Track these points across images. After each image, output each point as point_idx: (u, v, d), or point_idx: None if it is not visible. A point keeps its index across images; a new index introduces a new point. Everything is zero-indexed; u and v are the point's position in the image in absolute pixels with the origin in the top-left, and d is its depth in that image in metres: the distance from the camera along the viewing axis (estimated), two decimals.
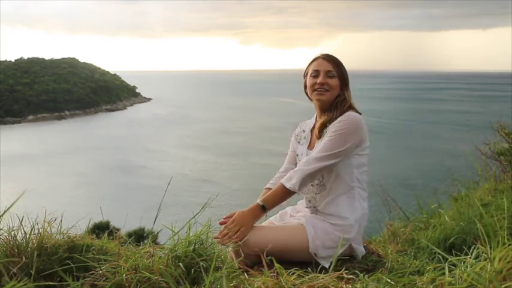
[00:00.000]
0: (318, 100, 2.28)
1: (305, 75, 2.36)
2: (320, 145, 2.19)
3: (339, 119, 2.19)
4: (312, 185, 2.25)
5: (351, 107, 2.25)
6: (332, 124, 2.19)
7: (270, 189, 2.32)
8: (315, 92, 2.27)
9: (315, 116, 2.42)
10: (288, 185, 2.12)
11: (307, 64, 2.36)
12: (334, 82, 2.25)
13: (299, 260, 2.09)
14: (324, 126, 2.23)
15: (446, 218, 3.02)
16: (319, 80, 2.24)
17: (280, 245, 2.08)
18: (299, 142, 2.43)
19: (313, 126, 2.38)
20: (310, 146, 2.33)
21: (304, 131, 2.43)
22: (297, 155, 2.41)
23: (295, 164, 2.39)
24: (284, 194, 2.16)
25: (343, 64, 2.31)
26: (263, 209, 2.13)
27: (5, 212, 1.49)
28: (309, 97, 2.36)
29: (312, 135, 2.36)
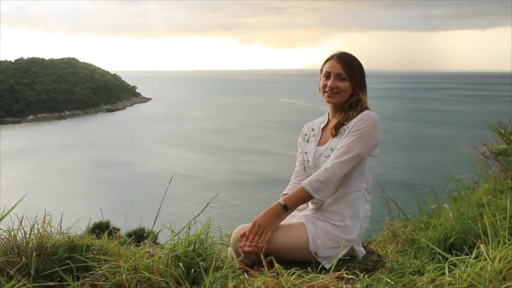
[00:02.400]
0: (328, 102, 2.31)
1: (321, 72, 2.36)
2: (341, 144, 2.15)
3: (358, 117, 2.18)
4: None
5: (366, 107, 2.26)
6: (352, 122, 2.18)
7: None
8: (325, 94, 2.28)
9: (326, 114, 2.42)
10: (315, 195, 2.09)
11: (323, 62, 2.34)
12: (345, 85, 2.24)
13: (299, 259, 2.09)
14: (341, 125, 2.23)
15: (450, 215, 3.02)
16: (329, 84, 2.25)
17: (280, 244, 2.07)
18: (307, 141, 2.41)
19: (326, 125, 2.37)
20: (320, 143, 2.32)
21: (313, 129, 2.42)
22: (305, 153, 2.39)
23: (304, 163, 2.39)
24: (307, 198, 2.14)
25: (360, 63, 2.28)
26: (285, 208, 2.11)
27: (7, 213, 1.49)
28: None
29: (322, 133, 2.36)
